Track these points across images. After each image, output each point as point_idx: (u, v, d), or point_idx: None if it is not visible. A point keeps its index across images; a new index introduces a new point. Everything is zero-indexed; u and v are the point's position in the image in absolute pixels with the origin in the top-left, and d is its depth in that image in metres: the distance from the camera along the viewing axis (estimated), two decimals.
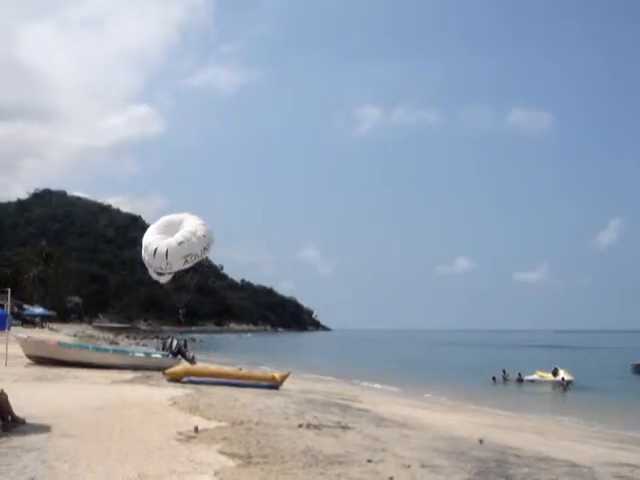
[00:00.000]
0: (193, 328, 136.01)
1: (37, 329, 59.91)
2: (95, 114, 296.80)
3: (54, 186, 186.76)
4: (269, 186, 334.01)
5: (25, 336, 22.82)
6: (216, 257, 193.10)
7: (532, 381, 32.60)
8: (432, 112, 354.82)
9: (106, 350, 24.77)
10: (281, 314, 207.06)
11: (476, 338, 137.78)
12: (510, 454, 9.05)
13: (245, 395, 14.37)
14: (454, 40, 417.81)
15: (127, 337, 70.85)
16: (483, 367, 38.96)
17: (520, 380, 32.61)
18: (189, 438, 8.42)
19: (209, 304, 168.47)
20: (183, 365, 19.48)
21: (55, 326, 71.05)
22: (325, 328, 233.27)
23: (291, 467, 7.01)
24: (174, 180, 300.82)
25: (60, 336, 46.15)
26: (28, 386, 13.47)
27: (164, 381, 16.77)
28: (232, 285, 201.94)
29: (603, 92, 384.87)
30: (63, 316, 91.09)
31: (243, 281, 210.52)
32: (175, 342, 21.99)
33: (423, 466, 7.52)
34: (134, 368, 19.92)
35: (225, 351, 57.38)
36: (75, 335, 56.64)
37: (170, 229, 15.42)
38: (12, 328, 22.50)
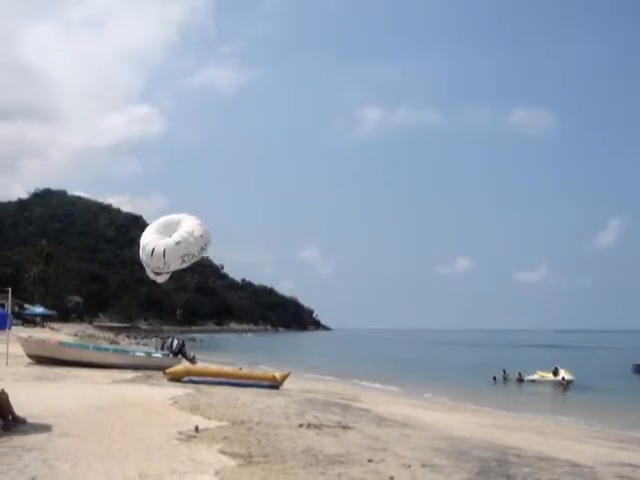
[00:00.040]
0: (193, 328, 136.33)
1: (38, 329, 59.93)
2: (95, 114, 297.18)
3: (54, 186, 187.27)
4: (269, 186, 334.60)
5: (26, 336, 22.85)
6: (216, 257, 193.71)
7: (533, 381, 32.60)
8: (432, 112, 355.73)
9: (107, 350, 24.77)
10: (281, 314, 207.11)
11: (476, 338, 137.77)
12: (511, 454, 9.04)
13: (246, 395, 14.37)
14: (454, 40, 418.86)
15: (127, 337, 70.86)
16: (483, 367, 38.96)
17: (521, 380, 32.62)
18: (190, 438, 8.42)
19: (209, 304, 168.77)
20: (184, 365, 19.48)
21: (56, 326, 71.11)
22: (325, 328, 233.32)
23: (292, 467, 7.01)
24: (174, 180, 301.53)
25: (61, 336, 46.19)
26: (29, 386, 13.47)
27: (165, 381, 16.77)
28: (232, 285, 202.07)
29: (603, 92, 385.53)
30: (64, 316, 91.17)
31: (244, 281, 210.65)
32: (176, 342, 22.00)
33: (424, 466, 7.51)
34: (135, 368, 19.92)
35: (225, 351, 57.37)
36: (76, 335, 56.71)
37: (168, 229, 15.46)
38: (13, 328, 22.53)
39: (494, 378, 32.53)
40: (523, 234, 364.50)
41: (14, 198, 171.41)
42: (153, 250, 14.38)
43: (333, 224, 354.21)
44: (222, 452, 7.60)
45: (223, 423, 9.86)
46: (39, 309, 71.59)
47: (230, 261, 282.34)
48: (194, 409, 11.36)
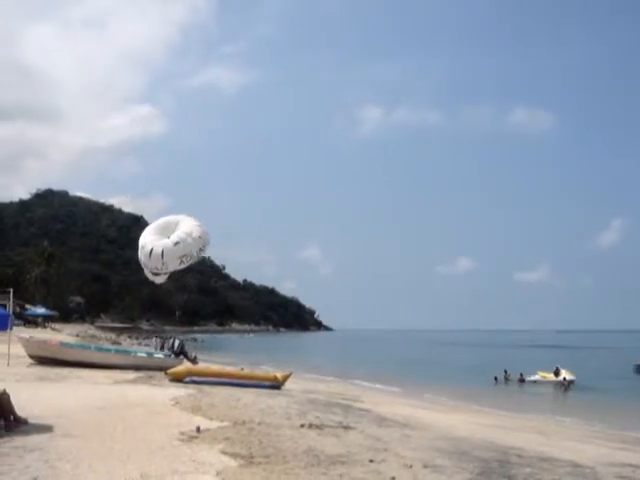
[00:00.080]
0: (195, 328, 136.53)
1: (39, 329, 59.99)
2: (97, 114, 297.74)
3: (56, 186, 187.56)
4: (271, 186, 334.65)
5: (27, 336, 22.87)
6: (218, 257, 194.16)
7: (534, 381, 32.57)
8: (432, 112, 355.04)
9: (108, 350, 24.77)
10: (283, 314, 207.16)
11: (477, 338, 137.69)
12: (512, 454, 9.04)
13: (247, 395, 14.37)
14: (454, 40, 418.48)
15: (129, 337, 70.89)
16: (484, 367, 38.94)
17: (522, 380, 32.60)
18: (191, 438, 8.43)
19: (211, 304, 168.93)
20: (185, 365, 19.50)
21: (57, 326, 71.16)
22: (327, 328, 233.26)
23: (293, 467, 7.01)
24: (176, 180, 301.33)
25: (62, 336, 46.22)
26: (30, 386, 13.47)
27: (166, 381, 16.78)
28: (234, 285, 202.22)
29: (603, 92, 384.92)
30: (65, 316, 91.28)
31: (245, 281, 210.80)
32: (177, 342, 22.02)
33: (425, 466, 7.52)
34: (136, 368, 19.93)
35: (227, 351, 57.40)
36: (77, 335, 56.73)
37: (166, 230, 15.50)
38: (14, 328, 22.59)
39: (495, 378, 32.53)
40: (524, 234, 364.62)
41: (16, 199, 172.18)
42: (151, 251, 14.42)
43: (334, 224, 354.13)
44: (223, 452, 7.60)
45: (225, 423, 9.87)
46: (40, 310, 71.63)
47: (231, 261, 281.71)
48: (196, 409, 11.37)
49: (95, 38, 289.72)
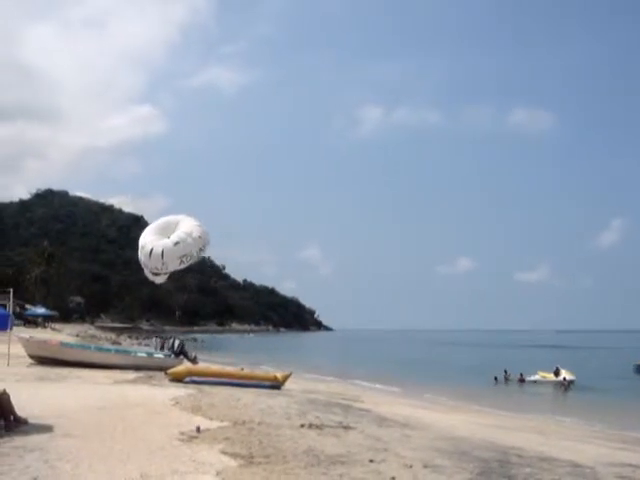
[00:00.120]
0: (195, 328, 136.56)
1: (39, 329, 60.00)
2: (97, 114, 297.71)
3: (56, 186, 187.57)
4: (271, 186, 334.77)
5: (27, 336, 22.87)
6: (218, 257, 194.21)
7: (534, 381, 32.57)
8: (432, 112, 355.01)
9: (108, 350, 24.77)
10: (283, 314, 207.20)
11: (477, 338, 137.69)
12: (512, 454, 9.05)
13: (247, 395, 14.38)
14: (454, 40, 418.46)
15: (129, 337, 70.89)
16: (484, 367, 38.95)
17: (522, 380, 32.60)
18: (191, 438, 8.43)
19: (211, 304, 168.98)
20: (185, 365, 19.50)
21: (57, 326, 71.16)
22: (327, 328, 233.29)
23: (293, 467, 7.01)
24: (176, 180, 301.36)
25: (62, 336, 46.22)
26: (30, 386, 13.48)
27: (166, 381, 16.78)
28: (234, 285, 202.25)
29: (603, 92, 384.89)
30: (65, 316, 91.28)
31: (245, 281, 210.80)
32: (177, 342, 22.01)
33: (425, 466, 7.52)
34: (136, 368, 19.93)
35: (227, 351, 57.40)
36: (77, 335, 56.73)
37: (166, 230, 15.52)
38: (14, 328, 22.59)
39: (495, 378, 32.54)
40: (524, 234, 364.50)
41: (16, 199, 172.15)
42: (152, 251, 14.43)
43: (334, 224, 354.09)
44: (223, 452, 7.61)
45: (224, 423, 9.87)
46: (40, 310, 71.63)
47: (231, 261, 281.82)
48: (195, 409, 11.37)
49: (95, 38, 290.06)
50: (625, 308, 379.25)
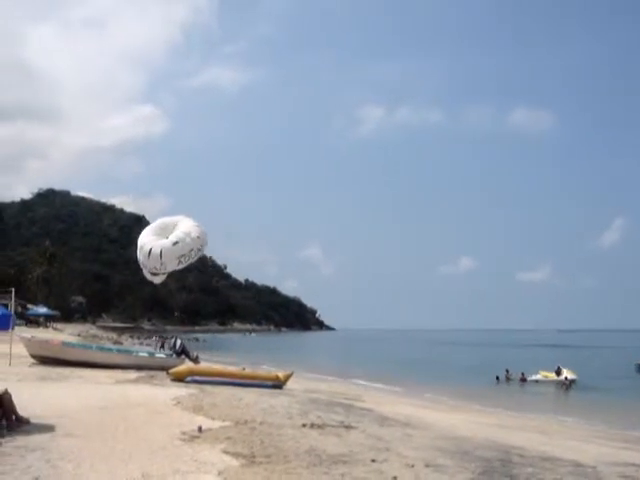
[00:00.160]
0: (197, 328, 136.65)
1: (41, 329, 60.00)
2: (98, 114, 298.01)
3: (58, 186, 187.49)
4: (272, 186, 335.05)
5: (29, 336, 22.88)
6: (220, 257, 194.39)
7: (536, 381, 32.55)
8: (433, 112, 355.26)
9: (110, 350, 24.80)
10: (285, 314, 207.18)
11: (478, 338, 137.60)
12: (514, 454, 9.04)
13: (249, 395, 14.38)
14: (454, 40, 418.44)
15: (131, 337, 70.97)
16: (486, 367, 38.93)
17: (524, 380, 32.58)
18: (193, 438, 8.43)
19: (213, 304, 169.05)
20: (187, 365, 19.51)
21: (59, 326, 71.21)
22: (329, 328, 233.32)
23: (295, 467, 7.01)
24: (178, 180, 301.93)
25: (64, 336, 46.27)
26: (32, 386, 13.49)
27: (168, 381, 16.79)
28: (236, 285, 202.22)
29: (603, 92, 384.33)
30: (67, 316, 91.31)
31: (247, 281, 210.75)
32: (179, 342, 22.03)
33: (427, 465, 7.51)
34: (138, 368, 19.94)
35: (228, 351, 57.41)
36: (79, 335, 56.79)
37: (165, 231, 15.55)
38: (16, 328, 22.59)
39: (497, 378, 32.53)
40: (525, 234, 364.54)
41: (17, 198, 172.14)
42: (150, 251, 14.45)
43: (334, 224, 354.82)
44: (225, 452, 7.60)
45: (226, 423, 9.87)
46: (42, 309, 71.64)
47: (233, 261, 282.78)
48: (197, 409, 11.37)
49: (96, 38, 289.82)
50: (626, 307, 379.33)
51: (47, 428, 8.45)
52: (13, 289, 20.58)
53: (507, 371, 33.51)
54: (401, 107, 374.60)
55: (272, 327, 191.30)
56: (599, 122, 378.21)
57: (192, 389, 14.94)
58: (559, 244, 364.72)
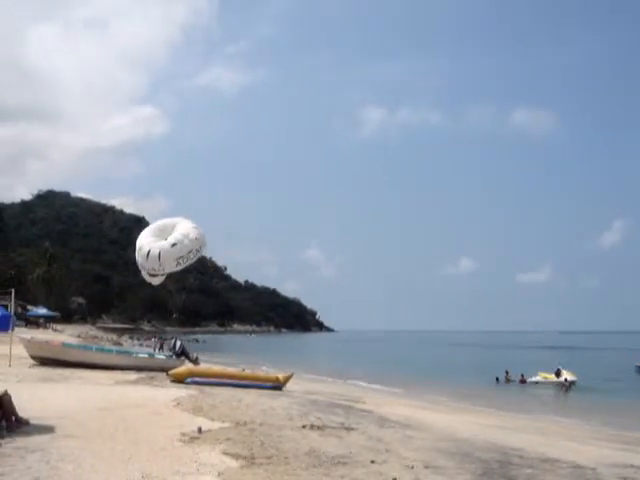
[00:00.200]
0: (196, 329, 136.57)
1: (41, 330, 59.96)
2: (98, 115, 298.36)
3: (58, 187, 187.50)
4: (273, 186, 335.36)
5: (29, 337, 22.89)
6: (220, 258, 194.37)
7: (535, 382, 32.56)
8: (434, 112, 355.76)
9: (110, 351, 24.77)
10: (284, 315, 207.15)
11: (479, 339, 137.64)
12: (514, 455, 9.04)
13: (249, 396, 14.38)
14: (454, 40, 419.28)
15: (130, 338, 70.91)
16: (485, 368, 38.95)
17: (523, 381, 32.59)
18: (193, 439, 8.43)
19: (212, 305, 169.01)
20: (187, 366, 19.50)
21: (59, 327, 71.12)
22: (329, 329, 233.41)
23: (295, 468, 7.02)
24: (178, 181, 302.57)
25: (64, 337, 46.23)
26: (32, 387, 13.49)
27: (168, 382, 16.79)
28: (235, 286, 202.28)
29: (604, 92, 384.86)
30: (67, 317, 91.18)
31: (246, 282, 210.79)
32: (179, 343, 22.02)
33: (427, 467, 7.52)
34: (138, 369, 19.94)
35: (228, 352, 57.41)
36: (79, 336, 56.71)
37: (164, 232, 15.61)
38: (16, 329, 22.60)
39: (497, 379, 32.55)
40: (525, 235, 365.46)
41: (17, 199, 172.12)
42: (149, 252, 14.52)
43: (334, 224, 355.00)
44: (225, 453, 7.61)
45: (226, 424, 9.88)
46: (42, 310, 71.56)
47: (233, 262, 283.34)
48: (197, 410, 11.37)
49: (97, 39, 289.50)
50: (627, 309, 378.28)
51: (47, 429, 8.45)
52: (13, 290, 20.60)
53: (507, 372, 33.54)
54: (402, 107, 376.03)
55: (272, 328, 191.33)
56: (599, 122, 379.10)
57: (192, 390, 14.93)
58: (559, 245, 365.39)
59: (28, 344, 20.84)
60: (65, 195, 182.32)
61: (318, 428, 10.07)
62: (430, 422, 13.15)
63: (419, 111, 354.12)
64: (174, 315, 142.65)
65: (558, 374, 32.61)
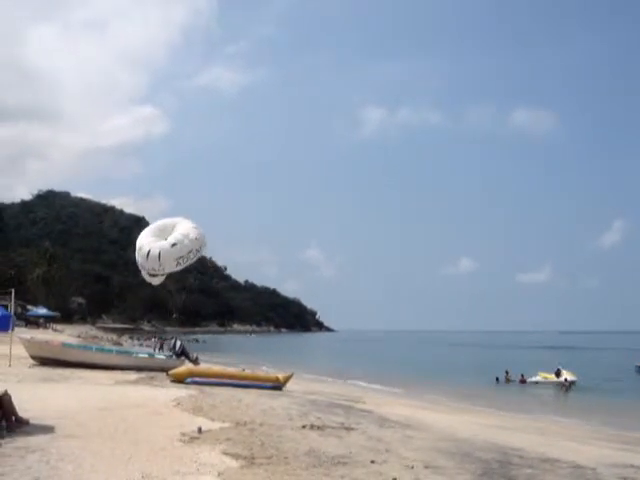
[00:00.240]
0: (196, 329, 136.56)
1: (41, 330, 59.96)
2: (98, 115, 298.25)
3: (58, 187, 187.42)
4: (273, 187, 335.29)
5: (29, 337, 22.89)
6: (220, 258, 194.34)
7: (535, 382, 32.57)
8: (434, 113, 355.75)
9: (110, 351, 24.77)
10: (284, 315, 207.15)
11: (479, 339, 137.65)
12: (514, 455, 9.04)
13: (249, 396, 14.39)
14: (454, 40, 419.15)
15: (130, 338, 70.92)
16: (485, 368, 38.96)
17: (523, 381, 32.60)
18: (193, 439, 8.43)
19: (212, 305, 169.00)
20: (187, 366, 19.50)
21: (59, 327, 71.12)
22: (329, 329, 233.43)
23: (295, 468, 7.02)
24: (178, 181, 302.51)
25: (64, 337, 46.24)
26: (32, 387, 13.49)
27: (168, 382, 16.79)
28: (235, 286, 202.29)
29: (604, 92, 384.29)
30: (67, 317, 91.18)
31: (246, 282, 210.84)
32: (179, 343, 22.02)
33: (427, 467, 7.52)
34: (138, 369, 19.95)
35: (228, 352, 57.41)
36: (79, 336, 56.72)
37: (164, 232, 15.61)
38: (16, 329, 22.60)
39: (497, 379, 32.55)
40: (525, 235, 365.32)
41: (17, 199, 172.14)
42: (149, 252, 14.52)
43: (335, 224, 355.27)
44: (225, 453, 7.61)
45: (226, 424, 9.88)
46: (42, 310, 71.59)
47: (233, 262, 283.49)
48: (197, 410, 11.37)
49: (97, 39, 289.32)
50: (627, 309, 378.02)
51: (47, 429, 8.45)
52: (13, 290, 20.59)
53: (507, 372, 33.54)
54: (402, 107, 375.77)
55: (272, 328, 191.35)
56: (599, 122, 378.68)
57: (192, 390, 14.93)
58: (559, 245, 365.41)
59: (28, 344, 20.84)
60: (65, 195, 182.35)
61: (318, 428, 10.07)
62: (430, 422, 13.15)
63: (419, 111, 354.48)
64: (174, 315, 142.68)
65: (558, 374, 32.61)
